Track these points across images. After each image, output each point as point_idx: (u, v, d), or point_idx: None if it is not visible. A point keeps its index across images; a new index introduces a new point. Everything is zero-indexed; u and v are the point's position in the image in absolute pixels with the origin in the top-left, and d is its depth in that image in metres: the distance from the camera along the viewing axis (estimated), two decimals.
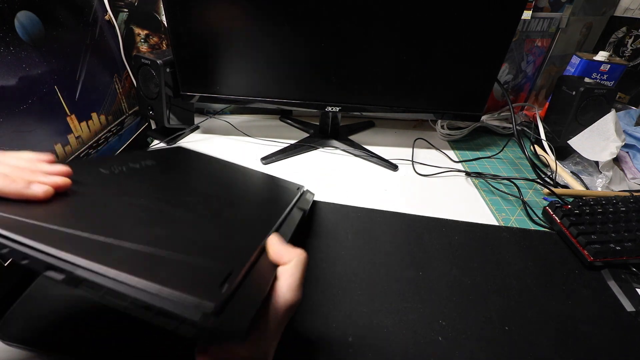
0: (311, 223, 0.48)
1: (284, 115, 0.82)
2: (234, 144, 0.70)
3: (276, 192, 0.44)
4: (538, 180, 0.59)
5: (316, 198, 0.53)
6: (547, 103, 0.71)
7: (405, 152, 0.69)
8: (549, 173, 0.62)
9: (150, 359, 0.31)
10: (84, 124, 0.57)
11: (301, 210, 0.39)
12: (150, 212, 0.26)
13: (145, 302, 0.16)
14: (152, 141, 0.71)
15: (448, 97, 0.62)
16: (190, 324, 0.16)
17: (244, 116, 0.83)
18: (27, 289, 0.36)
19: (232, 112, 0.83)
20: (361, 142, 0.70)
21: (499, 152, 0.70)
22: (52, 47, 0.50)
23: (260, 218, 0.32)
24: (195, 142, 0.71)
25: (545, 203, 0.55)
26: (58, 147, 0.51)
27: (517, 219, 0.53)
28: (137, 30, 0.68)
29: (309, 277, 0.40)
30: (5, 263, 0.39)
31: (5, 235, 0.18)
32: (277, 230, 0.29)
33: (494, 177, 0.61)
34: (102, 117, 0.62)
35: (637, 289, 0.41)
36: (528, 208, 0.54)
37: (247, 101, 0.64)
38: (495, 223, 0.51)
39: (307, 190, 0.49)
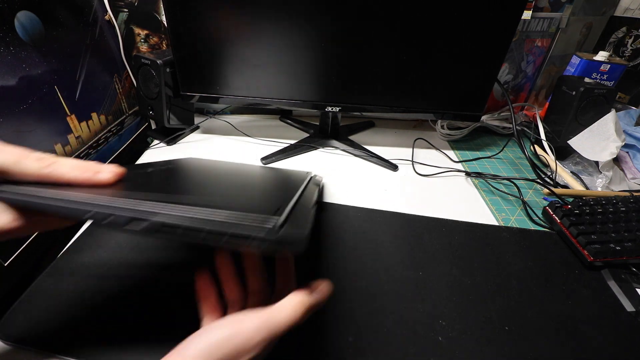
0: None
1: (284, 115, 0.82)
2: (234, 144, 0.70)
3: (290, 175, 0.47)
4: (538, 180, 0.59)
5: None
6: (547, 103, 0.71)
7: (405, 152, 0.69)
8: (549, 173, 0.62)
9: (149, 358, 0.31)
10: (84, 124, 0.57)
11: (316, 185, 0.41)
12: (197, 185, 0.33)
13: (219, 230, 0.19)
14: (152, 141, 0.71)
15: (448, 97, 0.62)
16: (260, 239, 0.19)
17: (244, 116, 0.83)
18: (27, 289, 0.36)
19: (232, 112, 0.83)
20: (361, 142, 0.70)
21: (499, 152, 0.70)
22: (52, 47, 0.50)
23: (284, 189, 0.36)
24: (195, 142, 0.71)
25: (545, 203, 0.55)
26: (58, 147, 0.51)
27: (517, 219, 0.53)
28: (137, 30, 0.68)
29: (308, 277, 0.40)
30: (5, 263, 0.39)
31: (89, 202, 0.20)
32: (300, 197, 0.30)
33: (494, 177, 0.61)
34: (102, 117, 0.62)
35: (637, 289, 0.41)
36: (528, 208, 0.54)
37: (247, 101, 0.64)
38: (495, 223, 0.51)
39: (315, 174, 0.52)
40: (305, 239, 0.20)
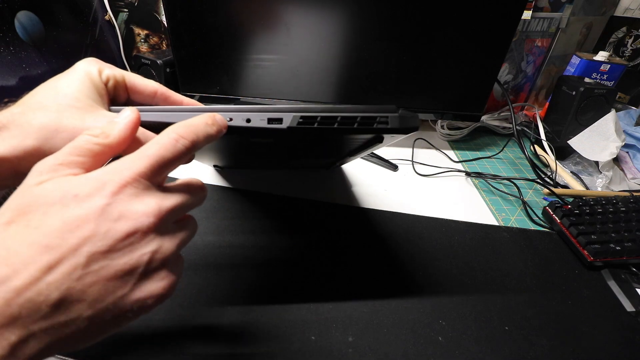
0: (310, 223, 0.48)
1: None
2: None
3: None
4: (538, 180, 0.59)
5: (315, 198, 0.53)
6: (547, 103, 0.71)
7: (405, 152, 0.69)
8: (549, 173, 0.62)
9: (149, 357, 0.31)
10: None
11: None
12: None
13: (351, 114, 0.23)
14: None
15: (448, 97, 0.62)
16: (384, 121, 0.24)
17: None
18: None
19: None
20: None
21: (499, 152, 0.70)
22: (52, 47, 0.50)
23: None
24: None
25: (545, 203, 0.55)
26: None
27: (517, 219, 0.53)
28: (137, 30, 0.68)
29: (309, 277, 0.40)
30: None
31: (233, 109, 0.23)
32: None
33: (494, 177, 0.61)
34: None
35: (637, 289, 0.41)
36: (528, 208, 0.54)
37: (247, 101, 0.64)
38: (495, 223, 0.51)
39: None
40: (418, 119, 0.25)
